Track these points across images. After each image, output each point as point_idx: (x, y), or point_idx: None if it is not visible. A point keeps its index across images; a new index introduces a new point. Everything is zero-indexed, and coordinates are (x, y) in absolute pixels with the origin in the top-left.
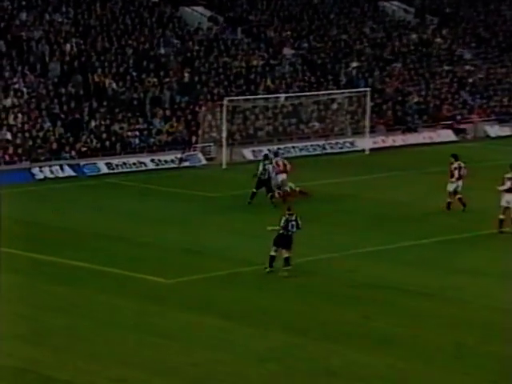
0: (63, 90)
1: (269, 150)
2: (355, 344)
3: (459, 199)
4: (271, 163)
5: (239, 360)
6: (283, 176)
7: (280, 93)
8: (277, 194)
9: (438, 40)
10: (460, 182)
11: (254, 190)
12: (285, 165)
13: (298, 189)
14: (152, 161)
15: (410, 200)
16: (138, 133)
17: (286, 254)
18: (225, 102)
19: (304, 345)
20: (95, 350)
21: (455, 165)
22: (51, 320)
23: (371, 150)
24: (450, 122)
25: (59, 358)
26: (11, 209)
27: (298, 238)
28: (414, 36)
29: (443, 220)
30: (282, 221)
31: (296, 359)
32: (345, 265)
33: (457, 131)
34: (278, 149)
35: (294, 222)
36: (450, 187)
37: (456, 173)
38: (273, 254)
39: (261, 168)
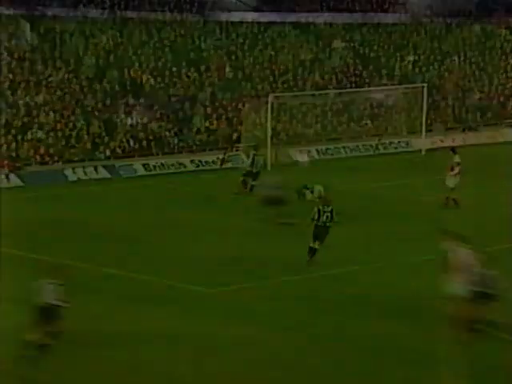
0: (98, 86)
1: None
2: (415, 360)
3: (452, 198)
4: (262, 155)
5: (291, 377)
6: None
7: (329, 89)
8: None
9: (502, 31)
10: (458, 178)
11: (241, 178)
12: None
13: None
14: (192, 162)
15: (471, 204)
16: (176, 131)
17: (316, 246)
18: (270, 99)
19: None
20: (131, 363)
21: (456, 159)
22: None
23: (428, 150)
24: None
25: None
26: (42, 212)
27: (349, 245)
28: (475, 27)
29: (507, 227)
30: (315, 210)
31: (349, 375)
32: (402, 274)
33: None
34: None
35: (329, 214)
36: (451, 182)
37: (457, 168)
38: (311, 245)
39: (249, 160)
